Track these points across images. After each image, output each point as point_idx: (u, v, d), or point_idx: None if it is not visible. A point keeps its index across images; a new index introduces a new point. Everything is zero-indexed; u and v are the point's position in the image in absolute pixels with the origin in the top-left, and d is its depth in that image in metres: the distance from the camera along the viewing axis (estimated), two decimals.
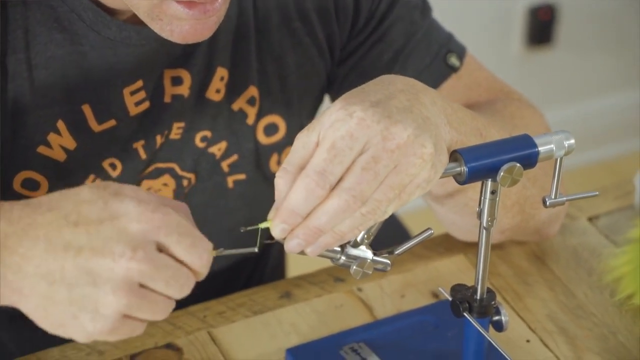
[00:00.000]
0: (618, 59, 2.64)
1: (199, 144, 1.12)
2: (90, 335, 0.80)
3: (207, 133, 1.12)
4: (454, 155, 0.90)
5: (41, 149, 1.03)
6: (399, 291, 1.13)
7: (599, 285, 1.13)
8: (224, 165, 1.14)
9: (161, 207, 0.80)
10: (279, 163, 1.17)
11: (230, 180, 1.15)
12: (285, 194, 0.85)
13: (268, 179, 1.17)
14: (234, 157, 1.14)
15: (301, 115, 1.17)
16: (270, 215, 0.85)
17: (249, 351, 1.05)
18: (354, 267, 0.89)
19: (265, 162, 1.16)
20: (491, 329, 1.00)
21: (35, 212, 0.79)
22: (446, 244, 1.18)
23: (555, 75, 2.60)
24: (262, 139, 1.15)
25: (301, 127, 1.17)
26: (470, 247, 1.18)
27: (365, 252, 0.90)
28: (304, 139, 0.86)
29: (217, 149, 1.13)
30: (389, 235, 0.98)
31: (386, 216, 0.86)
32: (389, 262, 0.91)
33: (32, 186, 1.05)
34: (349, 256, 0.89)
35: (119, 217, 0.79)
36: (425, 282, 1.14)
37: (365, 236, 0.89)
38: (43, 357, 1.04)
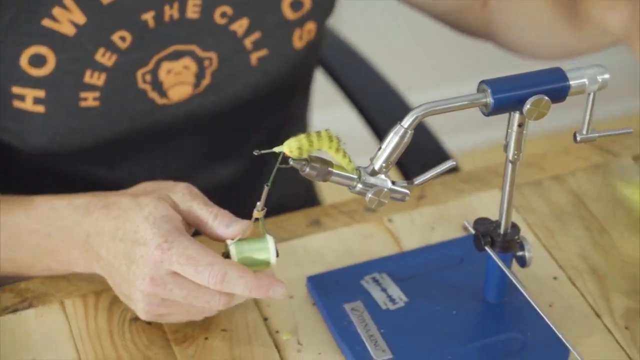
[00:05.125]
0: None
1: (219, 20, 1.10)
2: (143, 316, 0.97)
3: (227, 9, 1.09)
4: (481, 87, 0.88)
5: (46, 22, 1.03)
6: (430, 223, 1.11)
7: (637, 225, 1.10)
8: (247, 42, 1.13)
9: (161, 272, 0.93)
10: (300, 38, 1.15)
11: (254, 57, 1.14)
12: None
13: (290, 55, 1.16)
14: (257, 35, 1.13)
15: None
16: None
17: None
18: (370, 195, 0.88)
19: (289, 38, 1.15)
20: (516, 265, 0.98)
21: (106, 217, 0.96)
22: (483, 179, 1.16)
23: None
24: (289, 13, 1.13)
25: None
26: None
27: (384, 181, 0.88)
28: None
29: (239, 26, 1.11)
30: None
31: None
32: (407, 191, 0.89)
33: (39, 62, 1.04)
34: (365, 184, 0.88)
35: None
36: (458, 215, 1.12)
37: (384, 165, 0.87)
38: None
